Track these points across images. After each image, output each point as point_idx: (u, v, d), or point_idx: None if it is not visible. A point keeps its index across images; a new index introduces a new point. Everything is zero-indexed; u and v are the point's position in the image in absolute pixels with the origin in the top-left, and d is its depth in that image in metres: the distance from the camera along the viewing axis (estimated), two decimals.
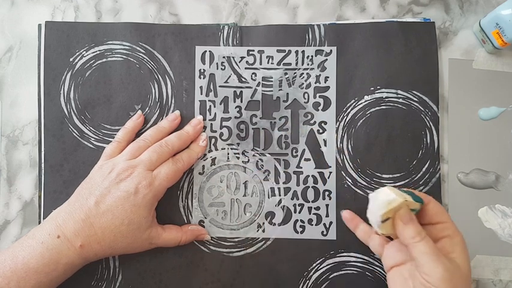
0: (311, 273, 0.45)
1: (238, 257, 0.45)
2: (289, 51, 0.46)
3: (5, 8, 0.48)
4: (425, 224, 0.38)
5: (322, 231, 0.45)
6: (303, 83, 0.46)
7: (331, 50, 0.46)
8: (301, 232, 0.45)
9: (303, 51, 0.46)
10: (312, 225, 0.45)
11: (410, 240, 0.35)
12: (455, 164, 0.46)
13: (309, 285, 0.45)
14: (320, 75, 0.46)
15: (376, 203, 0.37)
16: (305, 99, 0.46)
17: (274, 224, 0.45)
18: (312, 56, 0.46)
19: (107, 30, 0.46)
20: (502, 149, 0.46)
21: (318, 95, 0.46)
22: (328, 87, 0.46)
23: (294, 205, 0.45)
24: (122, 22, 0.47)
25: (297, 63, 0.46)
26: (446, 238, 0.37)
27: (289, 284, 0.45)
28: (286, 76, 0.46)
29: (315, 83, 0.46)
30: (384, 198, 0.36)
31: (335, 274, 0.45)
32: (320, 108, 0.46)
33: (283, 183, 0.45)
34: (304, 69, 0.46)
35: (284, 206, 0.45)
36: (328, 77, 0.46)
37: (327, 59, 0.46)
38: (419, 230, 0.36)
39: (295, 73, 0.46)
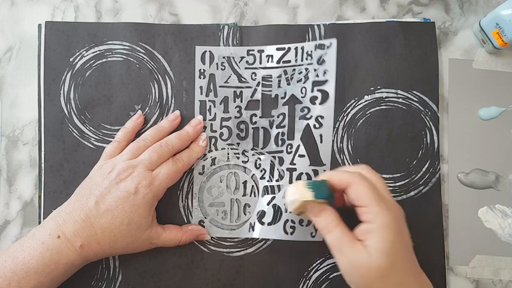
0: (311, 273, 0.45)
1: (238, 257, 0.45)
2: (289, 49, 0.46)
3: (5, 8, 0.48)
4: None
5: (311, 233, 0.44)
6: (301, 78, 0.45)
7: (330, 43, 0.45)
8: (291, 233, 0.44)
9: (302, 48, 0.45)
10: (302, 225, 0.44)
11: (320, 232, 0.36)
12: (455, 164, 0.46)
13: (309, 285, 0.45)
14: (318, 68, 0.45)
15: (285, 201, 0.37)
16: (302, 93, 0.45)
17: (264, 224, 0.44)
18: (311, 51, 0.45)
19: (107, 30, 0.46)
20: (502, 149, 0.46)
21: (315, 88, 0.45)
22: (326, 81, 0.45)
23: (285, 204, 0.44)
24: (122, 22, 0.47)
25: (296, 60, 0.45)
26: (366, 223, 0.35)
27: (289, 284, 0.45)
28: (286, 75, 0.46)
29: (314, 77, 0.45)
30: (288, 198, 0.36)
31: (335, 274, 0.45)
32: (317, 102, 0.45)
33: (276, 180, 0.45)
34: (306, 64, 0.45)
35: (275, 204, 0.44)
36: (326, 71, 0.45)
37: (326, 53, 0.45)
38: (328, 222, 0.35)
39: (293, 69, 0.45)
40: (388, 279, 0.33)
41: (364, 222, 0.35)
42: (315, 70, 0.45)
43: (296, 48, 0.45)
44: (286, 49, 0.46)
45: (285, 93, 0.46)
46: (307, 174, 0.45)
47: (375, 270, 0.33)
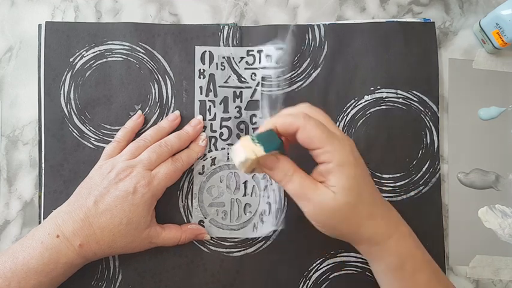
0: (311, 273, 0.45)
1: (238, 257, 0.45)
2: (286, 49, 0.46)
3: (5, 8, 0.48)
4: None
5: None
6: (293, 80, 0.45)
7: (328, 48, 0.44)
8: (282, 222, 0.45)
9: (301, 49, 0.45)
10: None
11: (279, 184, 0.35)
12: (455, 164, 0.46)
13: (309, 285, 0.45)
14: (313, 72, 0.45)
15: (234, 163, 0.34)
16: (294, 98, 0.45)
17: (264, 222, 0.45)
18: (308, 53, 0.45)
19: (107, 30, 0.46)
20: (502, 149, 0.46)
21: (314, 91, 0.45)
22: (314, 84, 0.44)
23: (236, 165, 0.42)
24: (122, 22, 0.47)
25: (293, 62, 0.46)
26: (323, 164, 0.33)
27: (289, 284, 0.45)
28: (284, 75, 0.46)
29: (309, 78, 0.45)
30: (237, 159, 0.34)
31: (335, 274, 0.45)
32: None
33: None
34: (297, 64, 0.45)
35: (268, 202, 0.45)
36: (318, 73, 0.45)
37: (323, 54, 0.44)
38: (285, 172, 0.34)
39: (290, 70, 0.46)
40: (358, 213, 0.33)
41: (321, 163, 0.33)
42: (309, 73, 0.45)
43: (292, 48, 0.46)
44: (283, 49, 0.46)
45: (284, 95, 0.46)
46: None
47: (344, 208, 0.33)
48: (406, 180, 0.45)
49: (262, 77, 0.46)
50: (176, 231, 0.43)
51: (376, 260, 0.36)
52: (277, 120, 0.34)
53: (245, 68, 0.46)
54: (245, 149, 0.33)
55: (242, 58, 0.46)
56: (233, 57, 0.46)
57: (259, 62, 0.46)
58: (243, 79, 0.46)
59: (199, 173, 0.46)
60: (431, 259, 0.36)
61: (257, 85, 0.46)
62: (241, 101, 0.46)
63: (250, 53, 0.46)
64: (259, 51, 0.46)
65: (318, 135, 0.33)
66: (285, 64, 0.46)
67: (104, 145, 0.45)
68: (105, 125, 0.46)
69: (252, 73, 0.46)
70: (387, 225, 0.34)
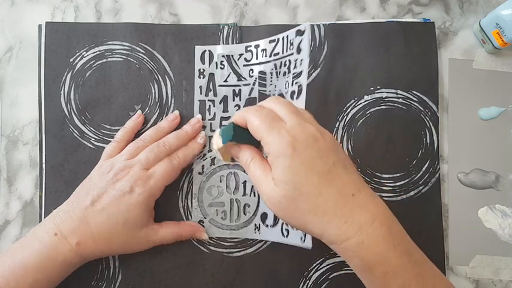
0: (311, 273, 0.45)
1: (238, 257, 0.45)
2: (278, 40, 0.43)
3: (5, 8, 0.48)
4: None
5: (301, 237, 0.40)
6: (285, 71, 0.42)
7: (305, 27, 0.39)
8: (287, 236, 0.42)
9: (287, 36, 0.42)
10: (293, 229, 0.41)
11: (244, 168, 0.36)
12: (455, 164, 0.46)
13: (309, 285, 0.45)
14: (297, 58, 0.40)
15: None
16: (286, 88, 0.42)
17: (268, 226, 0.44)
18: (292, 39, 0.41)
19: (107, 31, 0.46)
20: (502, 149, 0.46)
21: (294, 81, 0.40)
22: (301, 72, 0.39)
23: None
24: (122, 22, 0.47)
25: (283, 51, 0.42)
26: (268, 155, 0.33)
27: (289, 284, 0.45)
28: (276, 69, 0.44)
29: (293, 68, 0.41)
30: (213, 148, 0.37)
31: (335, 274, 0.45)
32: (294, 96, 0.40)
33: None
34: (289, 55, 0.41)
35: None
36: (302, 60, 0.39)
37: (302, 39, 0.39)
38: (244, 160, 0.35)
39: (281, 62, 0.43)
40: (299, 206, 0.32)
41: (268, 154, 0.33)
42: (295, 61, 0.41)
43: (283, 38, 0.42)
44: (276, 41, 0.44)
45: (275, 89, 0.45)
46: None
47: (283, 200, 0.32)
48: (406, 180, 0.45)
49: (258, 74, 0.45)
50: (174, 226, 0.43)
51: (344, 258, 0.33)
52: (235, 113, 0.36)
53: (244, 65, 0.46)
54: (214, 142, 0.37)
55: (241, 55, 0.46)
56: (232, 55, 0.46)
57: (256, 58, 0.45)
58: (241, 77, 0.46)
59: (199, 173, 0.46)
60: (417, 261, 0.32)
61: (254, 83, 0.45)
62: (240, 100, 0.46)
63: (248, 49, 0.45)
64: (256, 46, 0.45)
65: (257, 127, 0.33)
66: (279, 57, 0.43)
67: (104, 145, 0.45)
68: (105, 125, 0.46)
69: (250, 69, 0.45)
70: (345, 226, 0.31)
